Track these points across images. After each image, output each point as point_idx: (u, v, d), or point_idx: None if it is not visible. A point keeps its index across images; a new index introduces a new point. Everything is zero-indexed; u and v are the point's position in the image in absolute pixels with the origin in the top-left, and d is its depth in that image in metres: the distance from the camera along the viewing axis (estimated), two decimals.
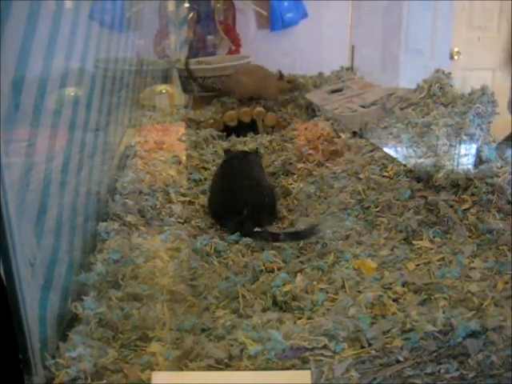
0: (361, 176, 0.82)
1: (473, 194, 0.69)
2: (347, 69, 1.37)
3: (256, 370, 0.46)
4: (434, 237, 0.66)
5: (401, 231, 0.68)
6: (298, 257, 0.65)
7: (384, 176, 0.80)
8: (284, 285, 0.58)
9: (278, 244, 0.67)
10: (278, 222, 0.76)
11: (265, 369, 0.46)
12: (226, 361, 0.47)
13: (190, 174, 0.90)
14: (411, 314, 0.50)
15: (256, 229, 0.70)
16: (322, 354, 0.47)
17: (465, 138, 0.78)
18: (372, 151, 0.89)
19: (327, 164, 0.89)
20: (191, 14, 1.66)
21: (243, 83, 1.18)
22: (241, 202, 0.72)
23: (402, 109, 0.91)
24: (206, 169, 0.93)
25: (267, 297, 0.57)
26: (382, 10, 1.29)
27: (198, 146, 1.02)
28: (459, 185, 0.71)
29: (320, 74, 1.34)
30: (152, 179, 0.83)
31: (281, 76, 1.22)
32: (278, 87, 1.23)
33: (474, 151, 0.77)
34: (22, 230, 0.45)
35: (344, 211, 0.74)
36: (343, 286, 0.58)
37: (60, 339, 0.51)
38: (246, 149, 0.99)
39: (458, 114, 0.83)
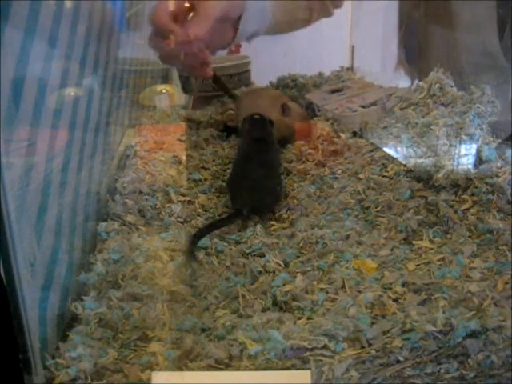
0: (361, 176, 0.82)
1: (473, 194, 0.69)
2: (347, 69, 1.37)
3: (256, 370, 0.46)
4: (434, 237, 0.66)
5: (401, 231, 0.68)
6: (298, 257, 0.65)
7: (384, 176, 0.80)
8: (284, 285, 0.58)
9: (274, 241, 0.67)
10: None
11: (265, 369, 0.46)
12: (226, 361, 0.47)
13: (190, 174, 0.90)
14: (411, 314, 0.50)
15: None
16: (322, 354, 0.47)
17: (465, 138, 0.78)
18: (372, 151, 0.88)
19: (327, 164, 0.89)
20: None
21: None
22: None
23: (401, 109, 0.91)
24: (205, 169, 0.92)
25: (267, 297, 0.57)
26: (382, 9, 1.29)
27: (198, 145, 1.01)
28: (459, 185, 0.71)
29: (320, 74, 1.34)
30: (152, 179, 0.83)
31: (284, 110, 0.95)
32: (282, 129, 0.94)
33: (474, 151, 0.77)
34: (22, 230, 0.45)
35: (344, 211, 0.74)
36: (343, 286, 0.58)
37: (60, 339, 0.51)
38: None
39: (458, 114, 0.83)
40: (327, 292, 0.57)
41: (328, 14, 1.10)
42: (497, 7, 1.00)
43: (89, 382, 0.46)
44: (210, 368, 0.46)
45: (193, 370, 0.46)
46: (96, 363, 0.47)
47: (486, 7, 1.00)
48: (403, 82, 1.16)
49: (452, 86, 0.88)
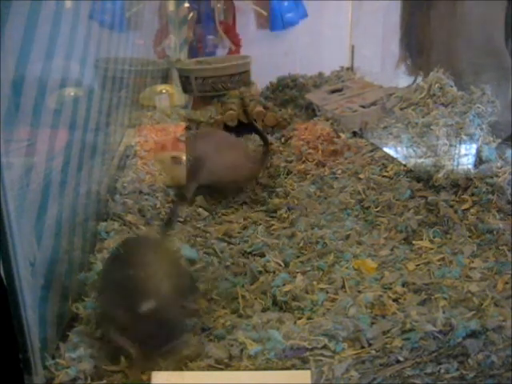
0: (361, 176, 0.82)
1: (473, 194, 0.69)
2: (347, 69, 1.37)
3: (256, 370, 0.46)
4: (434, 237, 0.66)
5: (401, 231, 0.68)
6: (298, 257, 0.65)
7: (384, 176, 0.81)
8: (284, 285, 0.58)
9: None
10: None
11: (265, 369, 0.46)
12: (226, 361, 0.47)
13: None
14: (411, 314, 0.50)
15: None
16: (322, 354, 0.47)
17: (465, 138, 0.78)
18: (372, 151, 0.89)
19: (327, 164, 0.89)
20: (191, 14, 1.66)
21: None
22: None
23: (401, 109, 0.91)
24: None
25: (267, 297, 0.57)
26: (382, 9, 1.29)
27: None
28: (459, 185, 0.71)
29: (320, 74, 1.34)
30: (152, 179, 0.83)
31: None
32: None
33: (474, 151, 0.77)
34: (22, 230, 0.45)
35: (344, 211, 0.74)
36: (343, 286, 0.58)
37: (60, 339, 0.51)
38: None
39: (458, 114, 0.83)
40: (327, 292, 0.57)
41: None
42: (506, 6, 1.00)
43: (89, 382, 0.46)
44: (210, 368, 0.46)
45: (193, 370, 0.46)
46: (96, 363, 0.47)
47: (494, 5, 1.01)
48: (403, 81, 1.16)
49: (452, 86, 0.88)
